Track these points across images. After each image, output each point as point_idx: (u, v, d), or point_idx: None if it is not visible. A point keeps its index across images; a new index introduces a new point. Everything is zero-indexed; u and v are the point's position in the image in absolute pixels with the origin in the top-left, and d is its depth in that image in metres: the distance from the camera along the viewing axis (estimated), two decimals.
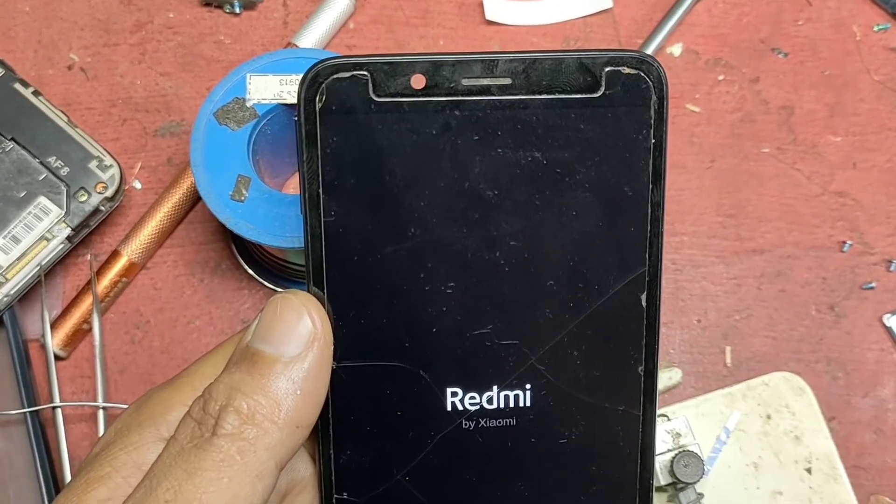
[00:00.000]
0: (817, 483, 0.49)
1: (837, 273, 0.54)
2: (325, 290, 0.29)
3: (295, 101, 0.45)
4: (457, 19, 0.57)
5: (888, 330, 0.53)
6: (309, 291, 0.29)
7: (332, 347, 0.29)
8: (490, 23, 0.57)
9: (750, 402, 0.50)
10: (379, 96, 0.29)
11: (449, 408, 0.30)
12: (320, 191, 0.29)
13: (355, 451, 0.30)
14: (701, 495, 0.47)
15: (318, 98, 0.28)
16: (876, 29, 0.57)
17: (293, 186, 0.54)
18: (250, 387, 0.27)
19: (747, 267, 0.54)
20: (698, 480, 0.46)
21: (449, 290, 0.30)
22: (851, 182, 0.55)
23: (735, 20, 0.57)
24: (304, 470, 0.31)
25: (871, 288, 0.53)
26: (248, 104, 0.46)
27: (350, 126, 0.29)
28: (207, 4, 0.57)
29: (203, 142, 0.45)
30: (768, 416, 0.50)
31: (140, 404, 0.29)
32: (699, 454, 0.46)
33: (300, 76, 0.45)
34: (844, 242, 0.54)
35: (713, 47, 0.57)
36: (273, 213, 0.45)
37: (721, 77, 0.57)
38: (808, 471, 0.49)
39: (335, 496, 0.30)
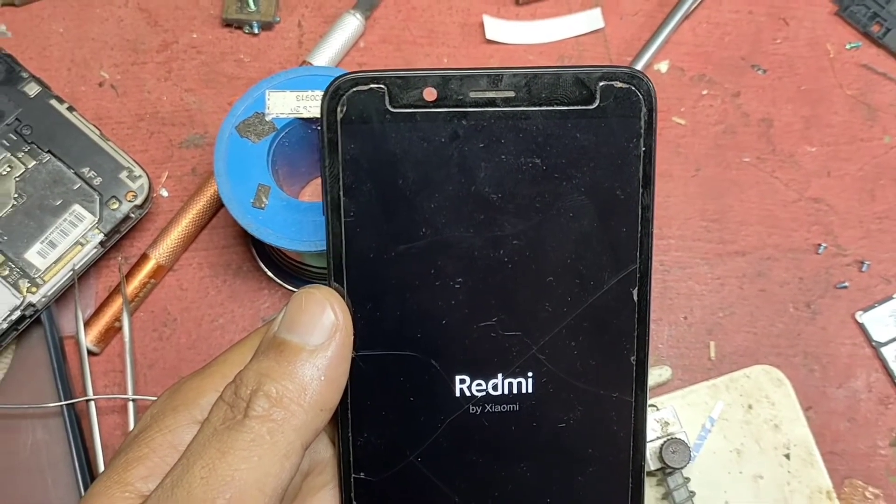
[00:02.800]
0: (795, 468, 0.49)
1: (813, 273, 0.54)
2: (345, 285, 0.30)
3: (311, 115, 0.46)
4: (459, 38, 0.58)
5: (860, 326, 0.53)
6: (330, 286, 0.30)
7: (352, 337, 0.29)
8: (490, 42, 0.57)
9: (733, 393, 0.51)
10: (394, 107, 0.29)
11: (457, 394, 0.30)
12: (341, 194, 0.29)
13: (372, 434, 0.30)
14: (688, 479, 0.48)
15: (339, 109, 0.29)
16: (848, 47, 0.58)
17: (309, 194, 0.54)
18: (278, 373, 0.27)
19: (730, 268, 0.54)
20: (685, 466, 0.46)
21: (457, 286, 0.30)
22: (826, 189, 0.55)
23: (718, 39, 0.58)
24: (325, 452, 0.32)
25: (845, 287, 0.54)
26: (268, 118, 0.46)
27: (368, 134, 0.29)
28: (228, 25, 0.57)
29: (226, 153, 0.46)
30: (750, 406, 0.50)
31: (174, 391, 0.30)
32: (686, 441, 0.46)
33: (315, 92, 0.46)
34: (820, 245, 0.54)
35: (697, 64, 0.57)
36: (291, 219, 0.45)
37: (705, 92, 0.57)
38: (787, 456, 0.50)
39: (353, 476, 0.31)
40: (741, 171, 0.56)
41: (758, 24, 0.58)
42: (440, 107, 0.29)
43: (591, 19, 0.58)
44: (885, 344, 0.53)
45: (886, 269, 0.54)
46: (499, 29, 0.57)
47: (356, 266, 0.30)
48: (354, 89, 0.29)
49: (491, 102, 0.29)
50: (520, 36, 0.58)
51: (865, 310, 0.53)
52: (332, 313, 0.28)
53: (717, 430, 0.50)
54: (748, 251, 0.54)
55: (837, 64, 0.57)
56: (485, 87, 0.29)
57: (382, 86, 0.29)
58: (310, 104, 0.46)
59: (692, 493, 0.47)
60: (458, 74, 0.29)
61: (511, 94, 0.29)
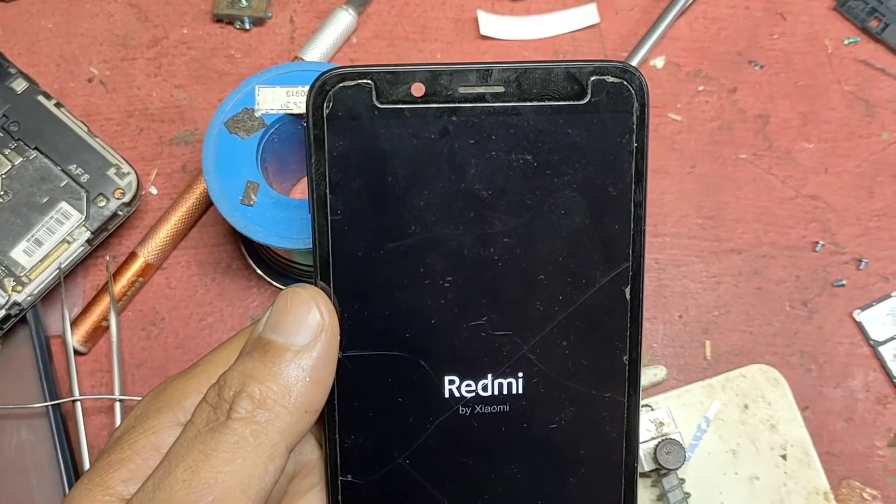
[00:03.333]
0: (792, 469, 0.49)
1: (810, 271, 0.54)
2: (332, 284, 0.29)
3: (301, 111, 0.46)
4: (453, 34, 0.57)
5: (858, 325, 0.53)
6: (316, 285, 0.29)
7: (338, 337, 0.29)
8: (484, 37, 0.57)
9: (728, 393, 0.50)
10: (382, 103, 0.29)
11: (446, 395, 0.30)
12: (327, 191, 0.29)
13: (359, 436, 0.30)
14: (683, 481, 0.47)
15: (325, 105, 0.29)
16: (846, 42, 0.57)
17: (299, 191, 0.54)
18: (262, 374, 0.27)
19: (726, 266, 0.54)
20: (680, 466, 0.46)
21: (446, 284, 0.30)
22: (823, 186, 0.55)
23: (714, 34, 0.57)
24: (311, 453, 0.31)
25: (842, 285, 0.53)
26: (257, 114, 0.46)
27: (355, 131, 0.29)
28: (219, 21, 0.57)
29: (214, 150, 0.45)
30: (746, 406, 0.50)
31: (158, 392, 0.29)
32: (681, 442, 0.46)
33: (306, 88, 0.45)
34: (817, 243, 0.54)
35: (693, 60, 0.57)
36: (280, 216, 0.44)
37: (701, 88, 0.57)
38: (784, 457, 0.49)
39: (340, 478, 0.30)
40: (737, 168, 0.55)
41: (754, 20, 0.58)
42: (429, 102, 0.29)
43: (586, 14, 0.57)
44: (883, 343, 0.52)
45: (884, 266, 0.54)
46: (493, 24, 0.57)
47: (343, 265, 0.29)
48: (341, 85, 0.28)
49: (480, 98, 0.29)
50: (514, 31, 0.57)
51: (863, 308, 0.53)
52: (317, 313, 0.28)
53: (713, 430, 0.49)
54: (744, 249, 0.54)
55: (835, 59, 0.57)
56: (474, 82, 0.29)
57: (369, 81, 0.29)
58: (300, 100, 0.46)
59: (687, 495, 0.47)
60: (446, 69, 0.29)
61: (501, 89, 0.29)
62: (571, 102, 0.29)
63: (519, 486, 0.31)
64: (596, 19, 0.57)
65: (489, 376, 0.30)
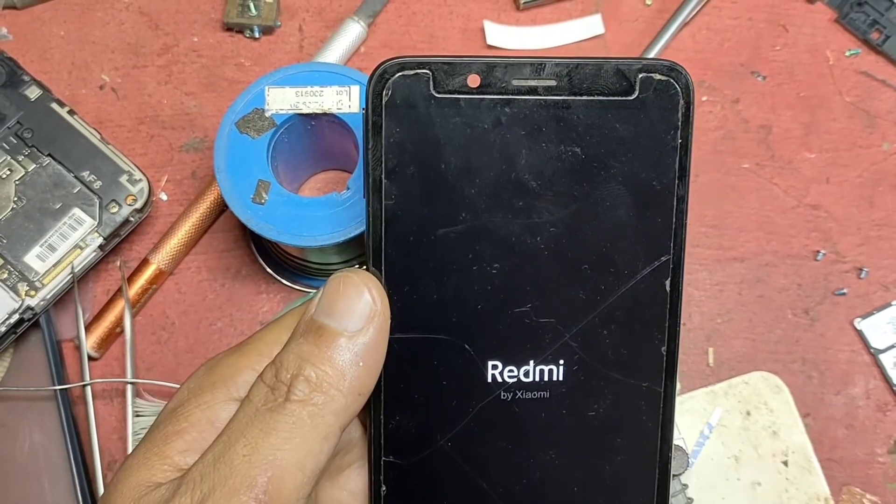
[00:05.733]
0: (793, 475, 0.49)
1: (812, 280, 0.54)
2: (383, 268, 0.30)
3: (310, 110, 0.46)
4: (460, 44, 0.57)
5: (858, 333, 0.53)
6: (368, 270, 0.30)
7: (389, 323, 0.29)
8: (491, 47, 0.57)
9: (731, 400, 0.50)
10: (438, 93, 0.29)
11: (489, 379, 0.30)
12: (382, 176, 0.29)
13: (403, 418, 0.31)
14: (686, 486, 0.47)
15: (384, 92, 0.29)
16: (848, 54, 0.58)
17: (308, 189, 0.54)
18: (317, 358, 0.28)
19: (728, 274, 0.54)
20: (683, 472, 0.46)
21: (493, 271, 0.30)
22: (825, 195, 0.55)
23: (717, 45, 0.58)
24: (354, 431, 0.32)
25: (843, 294, 0.54)
26: (267, 114, 0.46)
27: (411, 118, 0.29)
28: (229, 29, 0.57)
29: (226, 149, 0.46)
30: (748, 413, 0.50)
31: (210, 367, 0.30)
32: (684, 448, 0.47)
33: (314, 88, 0.46)
34: (818, 251, 0.54)
35: (697, 70, 0.57)
36: (291, 214, 0.45)
37: (704, 98, 0.57)
38: (785, 463, 0.50)
39: (383, 458, 0.31)
40: (740, 178, 0.55)
41: (757, 31, 0.58)
42: (484, 93, 0.30)
43: (591, 25, 0.58)
44: (884, 351, 0.52)
45: (885, 275, 0.54)
46: (499, 34, 0.57)
47: (395, 249, 0.30)
48: (400, 74, 0.29)
49: (533, 91, 0.30)
50: (520, 41, 0.57)
51: (864, 317, 0.53)
52: (370, 298, 0.29)
53: (716, 436, 0.50)
54: (747, 257, 0.54)
55: (837, 71, 0.57)
56: (528, 75, 0.30)
57: (428, 71, 0.29)
58: (309, 100, 0.46)
59: (690, 500, 0.47)
60: (502, 62, 0.30)
61: (553, 83, 0.30)
62: (620, 98, 0.30)
63: (556, 470, 0.31)
64: (601, 30, 0.58)
65: (531, 362, 0.31)
